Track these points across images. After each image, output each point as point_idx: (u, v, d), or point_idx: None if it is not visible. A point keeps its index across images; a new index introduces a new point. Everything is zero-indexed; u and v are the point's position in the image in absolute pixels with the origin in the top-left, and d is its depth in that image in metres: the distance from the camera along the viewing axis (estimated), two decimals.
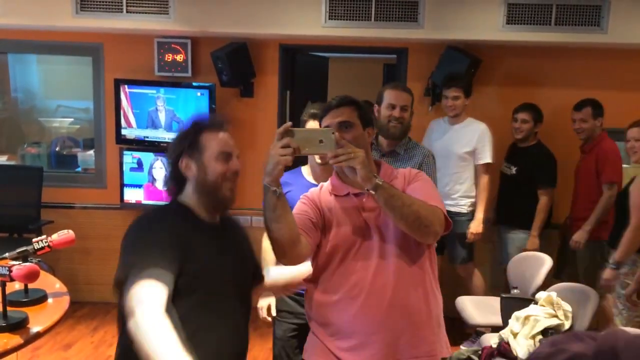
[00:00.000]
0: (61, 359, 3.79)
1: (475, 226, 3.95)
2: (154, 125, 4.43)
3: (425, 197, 1.86)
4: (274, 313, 2.57)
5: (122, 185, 4.50)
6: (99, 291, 4.54)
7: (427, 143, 3.93)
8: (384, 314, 1.85)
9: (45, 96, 5.90)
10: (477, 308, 3.59)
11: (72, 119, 5.65)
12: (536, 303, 2.95)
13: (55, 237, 2.39)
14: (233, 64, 4.29)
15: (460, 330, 4.02)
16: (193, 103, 4.37)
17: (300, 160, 2.15)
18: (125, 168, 4.48)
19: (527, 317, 2.87)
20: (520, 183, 4.07)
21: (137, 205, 4.44)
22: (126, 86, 4.42)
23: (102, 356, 3.83)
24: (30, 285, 2.39)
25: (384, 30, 4.14)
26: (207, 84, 4.37)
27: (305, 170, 2.62)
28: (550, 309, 2.86)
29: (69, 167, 5.12)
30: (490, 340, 3.08)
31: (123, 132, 4.47)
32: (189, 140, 1.77)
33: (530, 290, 3.29)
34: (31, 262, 2.26)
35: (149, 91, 4.41)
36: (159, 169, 4.43)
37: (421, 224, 1.79)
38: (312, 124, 2.49)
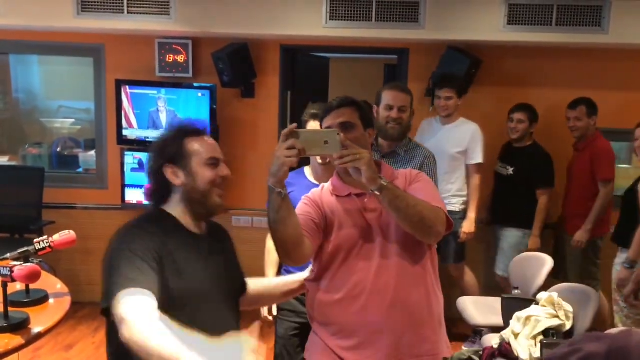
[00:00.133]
0: None
1: (468, 226, 3.96)
2: (155, 125, 4.43)
3: (427, 197, 1.87)
4: (274, 312, 2.58)
5: (124, 186, 4.51)
6: (100, 292, 4.52)
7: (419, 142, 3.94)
8: (385, 313, 1.86)
9: (47, 97, 5.90)
10: (478, 308, 3.59)
11: (73, 120, 5.66)
12: (537, 303, 2.95)
13: (56, 237, 2.39)
14: (234, 65, 4.29)
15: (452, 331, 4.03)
16: (194, 104, 4.37)
17: (303, 161, 2.15)
18: (127, 168, 4.49)
19: (528, 318, 2.87)
20: (517, 183, 4.09)
21: (139, 206, 4.45)
22: (127, 87, 4.42)
23: (103, 357, 3.80)
24: (31, 286, 2.39)
25: (384, 30, 4.15)
26: (208, 85, 4.38)
27: (308, 170, 2.63)
28: (551, 310, 2.86)
29: (70, 168, 5.12)
30: (492, 340, 3.08)
31: (124, 132, 4.48)
32: (175, 147, 1.72)
33: (531, 290, 3.29)
34: (32, 262, 2.27)
35: (150, 92, 4.42)
36: None
37: (425, 224, 1.81)
38: (313, 124, 2.50)
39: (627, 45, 4.17)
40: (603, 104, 4.34)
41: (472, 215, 3.97)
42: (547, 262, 3.39)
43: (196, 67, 4.48)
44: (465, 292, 4.07)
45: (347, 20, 4.13)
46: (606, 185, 3.90)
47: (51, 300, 2.48)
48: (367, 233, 1.89)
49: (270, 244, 2.72)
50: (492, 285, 4.30)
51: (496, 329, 3.28)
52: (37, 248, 2.33)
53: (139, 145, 4.48)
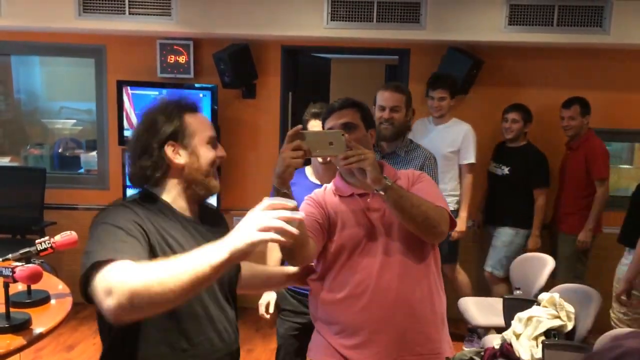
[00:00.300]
0: None
1: (460, 225, 3.96)
2: None
3: (430, 197, 1.88)
4: (271, 310, 2.58)
5: (125, 187, 4.50)
6: None
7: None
8: (388, 312, 1.87)
9: (48, 98, 5.91)
10: (480, 309, 3.59)
11: (74, 121, 5.66)
12: (539, 304, 2.95)
13: (58, 238, 2.39)
14: (235, 66, 4.29)
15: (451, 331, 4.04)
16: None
17: (305, 161, 2.16)
18: (127, 167, 4.48)
19: (529, 318, 2.87)
20: (513, 183, 4.11)
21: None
22: (128, 88, 4.43)
23: None
24: (33, 287, 2.40)
25: (386, 31, 4.15)
26: (209, 86, 4.38)
27: (309, 170, 2.64)
28: (553, 310, 2.86)
29: (72, 169, 5.13)
30: (493, 341, 3.08)
31: (125, 133, 4.48)
32: (176, 123, 1.57)
33: (532, 291, 3.29)
34: (34, 263, 2.27)
35: (152, 92, 4.42)
36: None
37: (429, 224, 1.82)
38: (314, 123, 2.50)
39: (628, 45, 4.16)
40: (604, 104, 4.35)
41: (463, 214, 3.97)
42: (549, 263, 3.39)
43: (197, 68, 4.48)
44: (458, 292, 4.08)
45: (348, 20, 4.13)
46: (602, 183, 3.95)
47: (53, 301, 2.48)
48: (370, 232, 1.90)
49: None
50: (483, 285, 4.30)
51: (498, 330, 3.29)
52: (38, 249, 2.34)
53: None
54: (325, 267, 1.96)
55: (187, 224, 1.59)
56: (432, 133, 4.00)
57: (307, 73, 4.98)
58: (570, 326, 2.83)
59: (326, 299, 1.95)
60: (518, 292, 3.37)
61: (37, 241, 2.36)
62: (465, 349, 4.00)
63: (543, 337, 2.79)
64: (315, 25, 4.15)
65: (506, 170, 4.11)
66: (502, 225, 4.15)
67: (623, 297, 3.30)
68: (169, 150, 1.56)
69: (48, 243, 2.35)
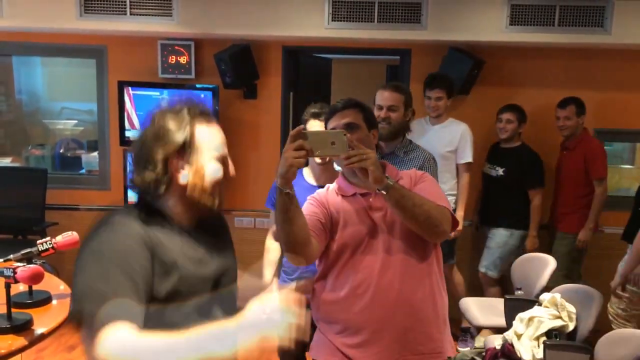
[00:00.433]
0: None
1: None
2: None
3: (432, 197, 1.90)
4: None
5: (126, 187, 4.51)
6: None
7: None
8: (390, 311, 1.88)
9: (50, 98, 5.91)
10: (481, 309, 3.59)
11: (76, 121, 5.66)
12: (540, 304, 2.95)
13: (59, 238, 2.39)
14: (236, 66, 4.29)
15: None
16: None
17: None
18: (129, 170, 4.48)
19: (531, 319, 2.87)
20: (508, 184, 4.11)
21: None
22: (130, 88, 4.43)
23: None
24: (34, 287, 2.40)
25: (386, 31, 4.14)
26: (210, 86, 4.38)
27: (306, 171, 2.64)
28: (554, 310, 2.86)
29: (73, 169, 5.13)
30: (494, 341, 3.08)
31: (127, 133, 4.48)
32: (184, 133, 1.43)
33: (534, 291, 3.29)
34: (35, 263, 2.28)
35: (153, 93, 4.42)
36: None
37: (431, 223, 1.84)
38: (314, 123, 2.51)
39: (630, 45, 4.16)
40: (606, 104, 4.36)
41: (460, 213, 3.97)
42: (550, 263, 3.39)
43: (198, 68, 4.49)
44: (453, 292, 4.08)
45: (349, 21, 4.13)
46: (601, 182, 3.97)
47: (54, 302, 2.48)
48: (372, 231, 1.92)
49: (269, 243, 2.75)
50: (477, 286, 4.29)
51: (498, 330, 3.29)
52: (40, 249, 2.34)
53: None
54: (327, 266, 1.97)
55: (185, 234, 1.48)
56: (429, 133, 3.99)
57: (308, 73, 4.99)
58: (571, 326, 2.82)
59: (328, 298, 1.96)
60: (519, 292, 3.37)
61: (38, 242, 2.37)
62: (460, 349, 4.01)
63: (544, 338, 2.79)
64: (316, 26, 4.15)
65: (501, 171, 4.11)
66: (497, 226, 4.15)
67: (619, 291, 3.35)
68: (173, 164, 1.43)
69: (49, 243, 2.36)
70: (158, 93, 4.41)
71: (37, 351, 3.71)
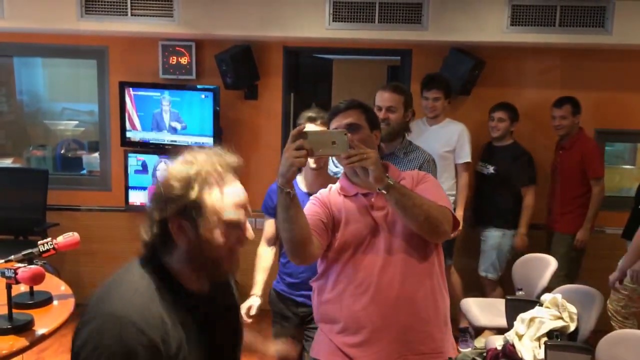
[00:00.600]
0: None
1: None
2: (159, 127, 4.44)
3: (433, 197, 1.91)
4: (252, 313, 2.59)
5: (127, 188, 4.52)
6: None
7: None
8: (391, 310, 1.88)
9: (51, 99, 5.92)
10: (482, 309, 3.58)
11: (77, 122, 5.67)
12: (541, 305, 2.95)
13: (60, 239, 2.40)
14: (237, 67, 4.30)
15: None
16: (197, 106, 4.38)
17: None
18: (130, 170, 4.50)
19: (532, 319, 2.86)
20: (498, 182, 4.12)
21: (142, 208, 4.43)
22: (131, 89, 4.43)
23: None
24: (35, 288, 2.41)
25: (387, 32, 4.14)
26: (211, 87, 4.38)
27: (299, 178, 2.64)
28: (555, 311, 2.86)
29: (74, 170, 5.14)
30: (496, 342, 3.08)
31: (128, 134, 4.49)
32: (188, 197, 1.27)
33: (535, 292, 3.29)
34: (36, 264, 2.28)
35: (154, 94, 4.42)
36: (163, 170, 4.44)
37: (431, 223, 1.84)
38: (310, 127, 2.51)
39: (631, 46, 4.15)
40: (607, 105, 4.35)
41: (460, 213, 3.97)
42: (551, 264, 3.39)
43: (199, 69, 4.49)
44: (450, 293, 4.06)
45: (350, 21, 4.13)
46: (598, 182, 3.97)
47: (55, 302, 2.49)
48: (374, 230, 1.93)
49: (261, 249, 2.77)
50: (472, 285, 4.29)
51: (500, 331, 3.29)
52: (41, 250, 2.35)
53: (143, 147, 4.49)
54: (328, 265, 1.98)
55: (193, 302, 1.34)
56: (426, 133, 4.00)
57: (309, 74, 4.99)
58: (572, 327, 2.82)
59: (329, 297, 1.97)
60: (520, 293, 3.37)
61: (39, 242, 2.38)
62: (461, 349, 4.02)
63: (546, 338, 2.79)
64: (317, 26, 4.15)
65: (491, 169, 4.13)
66: (489, 226, 4.15)
67: (617, 285, 3.37)
68: (173, 226, 1.28)
69: (50, 244, 2.36)
70: (159, 94, 4.41)
71: (38, 352, 3.71)
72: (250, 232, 1.35)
